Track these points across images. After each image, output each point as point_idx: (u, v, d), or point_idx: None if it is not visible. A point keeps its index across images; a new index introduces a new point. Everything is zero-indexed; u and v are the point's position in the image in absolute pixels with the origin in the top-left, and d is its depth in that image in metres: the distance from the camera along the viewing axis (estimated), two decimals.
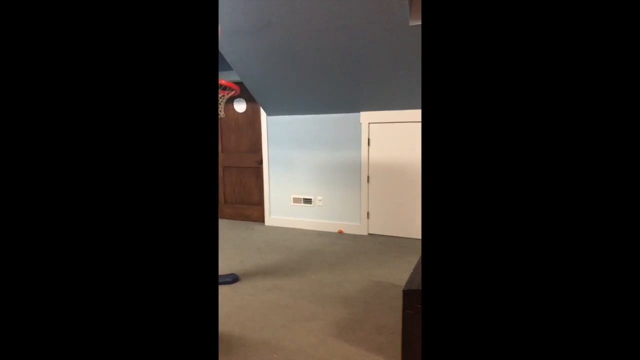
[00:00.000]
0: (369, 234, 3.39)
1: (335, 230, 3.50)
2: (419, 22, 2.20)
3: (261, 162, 3.76)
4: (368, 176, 3.33)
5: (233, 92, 2.40)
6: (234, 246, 3.06)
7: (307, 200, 3.59)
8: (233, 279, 2.29)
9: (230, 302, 2.02)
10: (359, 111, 3.27)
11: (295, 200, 3.65)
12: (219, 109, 2.44)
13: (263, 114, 3.63)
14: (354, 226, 3.43)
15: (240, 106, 3.81)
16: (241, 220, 3.98)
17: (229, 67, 3.51)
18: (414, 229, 3.24)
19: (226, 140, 3.93)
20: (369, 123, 3.27)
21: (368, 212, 3.38)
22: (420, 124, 3.11)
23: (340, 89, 3.03)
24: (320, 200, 3.55)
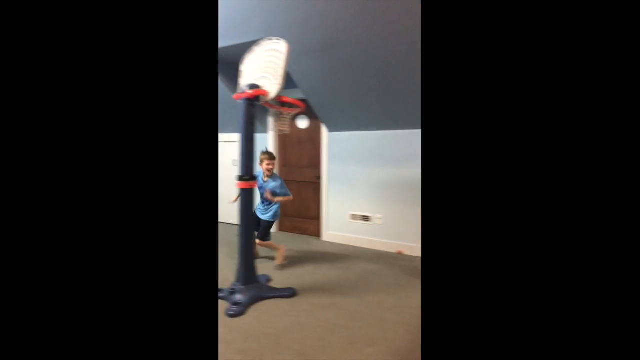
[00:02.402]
0: None
1: (394, 250, 3.37)
2: None
3: (319, 177, 3.80)
4: None
5: (298, 110, 2.47)
6: (291, 259, 3.10)
7: (366, 218, 3.52)
8: (291, 293, 2.30)
9: (287, 317, 2.03)
10: (420, 127, 3.15)
11: (353, 216, 3.60)
12: (285, 126, 2.52)
13: (324, 130, 3.69)
14: (414, 247, 3.27)
15: (303, 122, 3.91)
16: (298, 233, 4.03)
17: (294, 85, 3.65)
18: None
19: (288, 155, 4.05)
20: None
21: None
22: None
23: (401, 105, 2.96)
24: (379, 219, 3.45)
